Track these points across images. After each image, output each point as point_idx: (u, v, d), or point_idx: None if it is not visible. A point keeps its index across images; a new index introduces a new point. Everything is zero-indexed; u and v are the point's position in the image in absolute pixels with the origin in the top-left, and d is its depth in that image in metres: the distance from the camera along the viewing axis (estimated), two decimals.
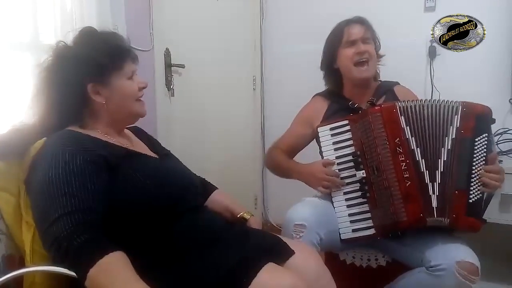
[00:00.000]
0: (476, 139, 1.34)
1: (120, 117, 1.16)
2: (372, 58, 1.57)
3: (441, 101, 1.39)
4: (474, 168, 1.33)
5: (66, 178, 0.93)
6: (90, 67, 1.08)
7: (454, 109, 1.36)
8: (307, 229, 1.36)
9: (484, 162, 1.34)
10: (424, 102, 1.40)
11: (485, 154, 1.34)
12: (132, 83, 1.15)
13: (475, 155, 1.33)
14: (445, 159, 1.35)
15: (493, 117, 1.39)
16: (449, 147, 1.35)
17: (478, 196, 1.33)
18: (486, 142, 1.34)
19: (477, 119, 1.35)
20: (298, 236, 1.35)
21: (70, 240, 0.86)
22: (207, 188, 1.36)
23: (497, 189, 1.34)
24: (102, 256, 0.85)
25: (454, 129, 1.35)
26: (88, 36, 1.13)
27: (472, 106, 1.37)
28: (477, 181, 1.33)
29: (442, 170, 1.35)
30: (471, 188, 1.32)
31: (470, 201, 1.32)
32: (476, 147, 1.34)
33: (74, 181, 0.93)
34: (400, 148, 1.36)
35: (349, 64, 1.56)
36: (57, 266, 0.90)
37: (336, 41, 1.60)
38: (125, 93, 1.13)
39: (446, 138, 1.36)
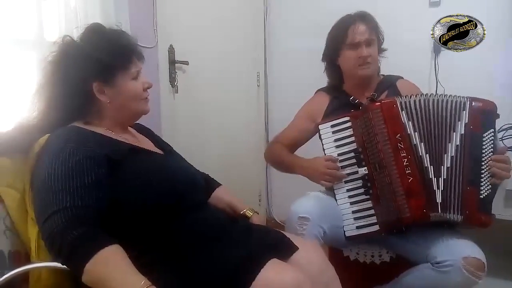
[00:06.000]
0: (484, 135, 1.34)
1: (124, 116, 1.17)
2: (375, 60, 1.57)
3: (447, 95, 1.38)
4: (483, 163, 1.33)
5: (64, 174, 0.93)
6: (96, 66, 1.08)
7: (462, 104, 1.36)
8: (311, 222, 1.36)
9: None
10: (430, 96, 1.39)
11: (492, 149, 1.33)
12: (137, 83, 1.15)
13: (483, 151, 1.33)
14: (452, 155, 1.34)
15: (497, 112, 1.38)
16: (458, 143, 1.34)
17: (488, 191, 1.33)
18: (492, 137, 1.34)
19: (484, 114, 1.35)
20: (301, 229, 1.36)
21: (63, 235, 0.87)
22: (210, 185, 1.37)
23: (505, 178, 1.33)
24: (98, 250, 0.86)
25: (463, 124, 1.34)
26: (95, 34, 1.13)
27: (478, 101, 1.36)
28: (487, 176, 1.33)
29: (448, 165, 1.34)
30: (482, 184, 1.33)
31: (481, 196, 1.32)
32: (484, 143, 1.33)
33: (72, 178, 0.93)
34: (401, 144, 1.36)
35: (351, 66, 1.57)
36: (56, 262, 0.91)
37: (339, 40, 1.58)
38: (129, 94, 1.14)
39: (454, 133, 1.35)
